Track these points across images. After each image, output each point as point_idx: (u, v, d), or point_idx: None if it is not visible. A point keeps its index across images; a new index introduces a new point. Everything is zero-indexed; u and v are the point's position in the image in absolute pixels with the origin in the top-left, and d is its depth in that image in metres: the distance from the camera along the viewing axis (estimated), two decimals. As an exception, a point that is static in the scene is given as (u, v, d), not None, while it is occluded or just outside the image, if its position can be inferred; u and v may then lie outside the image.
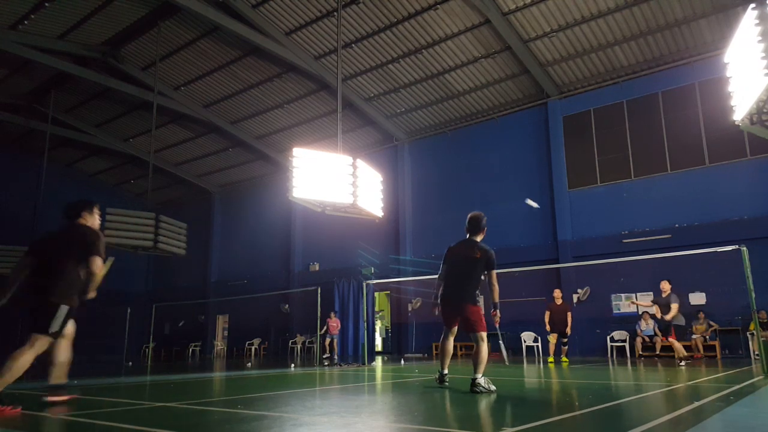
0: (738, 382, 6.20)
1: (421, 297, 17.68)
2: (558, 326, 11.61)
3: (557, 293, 12.02)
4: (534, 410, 4.37)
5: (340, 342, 18.75)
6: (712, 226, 13.36)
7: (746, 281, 7.78)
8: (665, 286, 10.55)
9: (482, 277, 5.73)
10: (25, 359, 4.28)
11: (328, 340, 15.87)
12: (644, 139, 14.97)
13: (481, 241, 5.86)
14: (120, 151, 23.27)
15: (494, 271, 5.67)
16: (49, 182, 20.63)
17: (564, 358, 11.63)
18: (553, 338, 11.67)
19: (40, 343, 4.41)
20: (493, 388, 5.28)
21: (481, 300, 6.38)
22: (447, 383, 5.94)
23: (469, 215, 5.99)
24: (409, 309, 18.18)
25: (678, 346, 10.34)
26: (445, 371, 6.01)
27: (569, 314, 11.69)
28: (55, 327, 4.41)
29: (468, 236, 5.89)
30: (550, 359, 11.47)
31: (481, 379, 5.28)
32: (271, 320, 21.73)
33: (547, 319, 11.76)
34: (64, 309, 4.47)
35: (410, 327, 18.12)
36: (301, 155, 8.70)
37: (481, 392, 5.15)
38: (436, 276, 6.00)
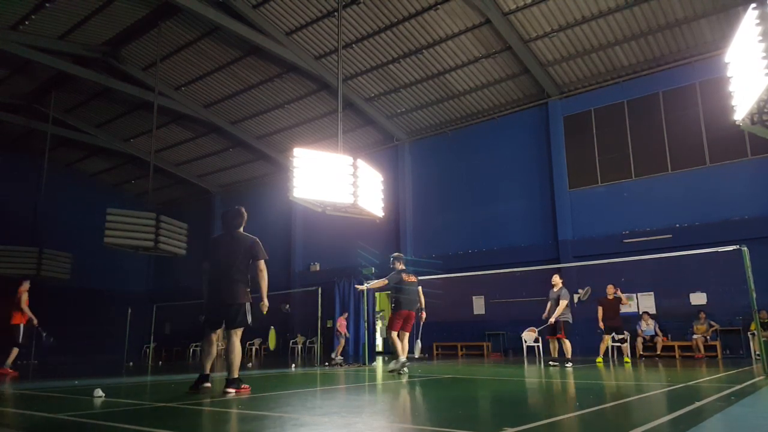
0: (739, 382, 6.20)
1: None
2: (611, 322, 11.18)
3: (610, 288, 11.46)
4: (535, 410, 4.37)
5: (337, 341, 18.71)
6: (713, 226, 13.35)
7: (747, 281, 7.77)
8: (556, 280, 10.40)
9: None
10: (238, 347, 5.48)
11: (343, 341, 15.30)
12: (645, 139, 14.96)
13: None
14: (120, 152, 23.28)
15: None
16: (50, 182, 20.63)
17: (626, 359, 11.21)
18: (608, 338, 11.28)
19: (238, 334, 5.52)
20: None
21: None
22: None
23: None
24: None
25: (568, 346, 10.15)
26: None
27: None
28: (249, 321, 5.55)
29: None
30: (599, 359, 11.14)
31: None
32: (272, 320, 21.69)
33: (600, 316, 11.30)
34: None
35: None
36: (302, 155, 8.69)
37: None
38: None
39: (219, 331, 5.71)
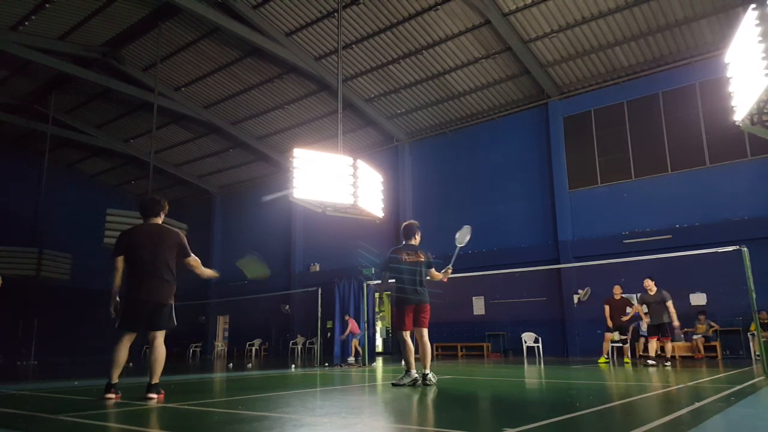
0: (739, 383, 6.19)
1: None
2: (618, 322, 11.15)
3: (617, 289, 11.42)
4: (535, 411, 4.37)
5: (340, 342, 18.72)
6: (713, 227, 13.36)
7: (747, 282, 7.78)
8: (650, 284, 10.43)
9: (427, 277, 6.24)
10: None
11: (355, 341, 15.36)
12: (645, 140, 14.97)
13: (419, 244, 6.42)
14: (120, 152, 23.30)
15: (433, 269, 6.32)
16: (50, 183, 20.65)
17: (626, 359, 11.24)
18: (610, 336, 11.32)
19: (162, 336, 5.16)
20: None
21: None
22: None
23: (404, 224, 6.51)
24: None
25: (669, 347, 10.40)
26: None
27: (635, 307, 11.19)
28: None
29: (405, 242, 6.40)
30: (602, 359, 11.16)
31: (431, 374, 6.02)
32: (272, 321, 21.73)
33: (607, 314, 11.24)
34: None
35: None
36: (302, 156, 8.69)
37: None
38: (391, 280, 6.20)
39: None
